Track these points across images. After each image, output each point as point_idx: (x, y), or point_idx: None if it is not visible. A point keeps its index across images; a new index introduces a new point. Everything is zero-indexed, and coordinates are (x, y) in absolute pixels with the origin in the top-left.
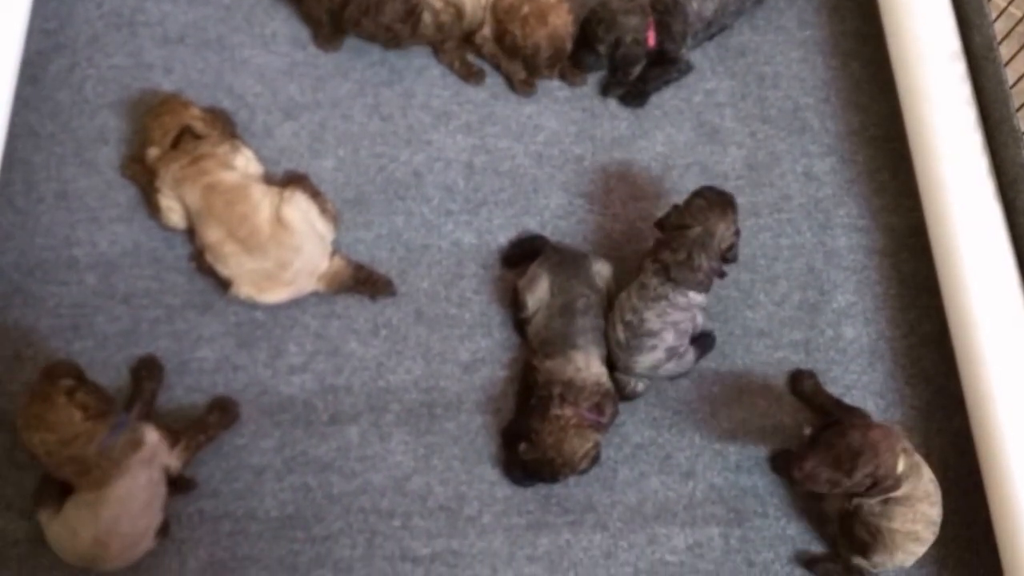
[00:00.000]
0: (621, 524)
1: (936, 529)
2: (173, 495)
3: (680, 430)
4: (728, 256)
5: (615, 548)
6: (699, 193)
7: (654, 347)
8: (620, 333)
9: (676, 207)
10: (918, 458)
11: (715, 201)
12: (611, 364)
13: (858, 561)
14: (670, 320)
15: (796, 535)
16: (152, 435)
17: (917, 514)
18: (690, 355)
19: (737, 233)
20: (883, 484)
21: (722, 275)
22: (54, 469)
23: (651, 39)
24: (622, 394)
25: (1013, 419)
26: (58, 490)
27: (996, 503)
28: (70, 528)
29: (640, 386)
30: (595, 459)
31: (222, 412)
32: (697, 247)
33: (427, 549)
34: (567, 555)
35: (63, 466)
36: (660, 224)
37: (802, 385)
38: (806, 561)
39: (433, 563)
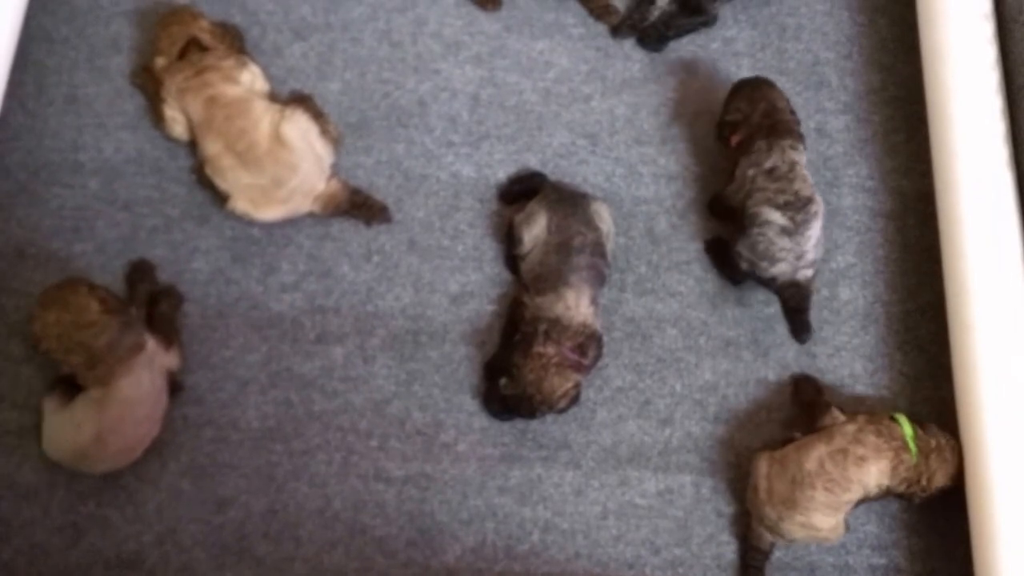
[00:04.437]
0: (594, 464)
1: (811, 531)
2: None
3: (662, 377)
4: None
5: (586, 486)
6: (737, 88)
7: (817, 212)
8: (782, 220)
9: (724, 115)
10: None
11: (757, 81)
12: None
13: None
14: (811, 181)
15: None
16: (150, 339)
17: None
18: None
19: (790, 103)
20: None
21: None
22: (62, 355)
23: None
24: (801, 297)
25: (996, 394)
26: (69, 386)
27: (971, 475)
28: (75, 423)
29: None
30: (574, 399)
31: (168, 297)
32: (775, 111)
33: (401, 471)
34: (537, 489)
35: (71, 352)
36: (727, 131)
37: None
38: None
39: (405, 485)
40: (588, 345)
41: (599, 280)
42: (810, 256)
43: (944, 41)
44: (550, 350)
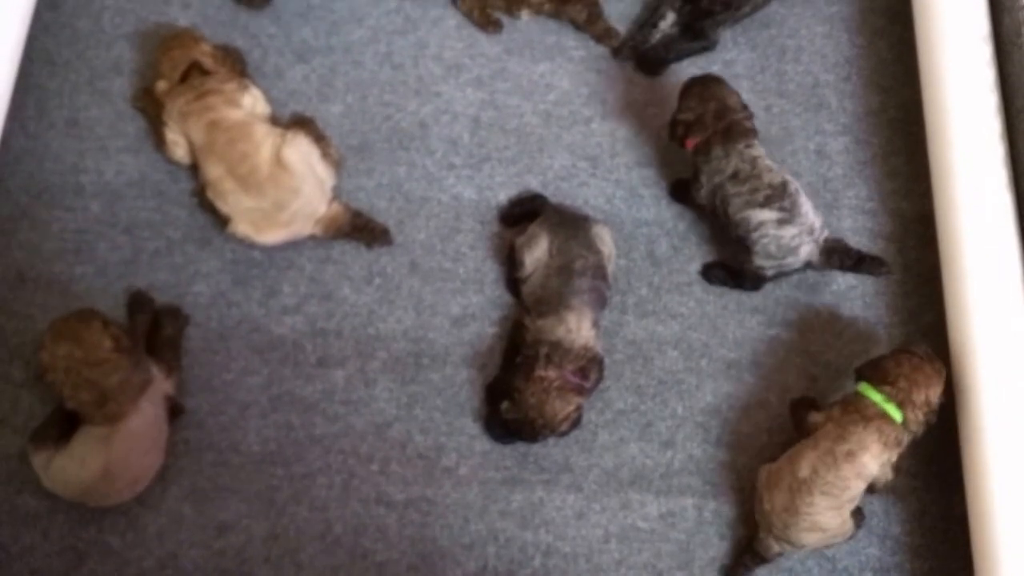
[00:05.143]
0: (596, 487)
1: (820, 533)
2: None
3: (664, 400)
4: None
5: (588, 510)
6: (687, 86)
7: (797, 189)
8: (773, 214)
9: (677, 114)
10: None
11: (706, 79)
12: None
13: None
14: (775, 167)
15: None
16: (154, 369)
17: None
18: None
19: (740, 99)
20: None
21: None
22: (70, 392)
23: None
24: (845, 252)
25: (999, 415)
26: (59, 430)
27: (975, 498)
28: (79, 459)
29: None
30: (576, 423)
31: (173, 317)
32: (727, 110)
33: (402, 495)
34: (539, 513)
35: (80, 389)
36: (680, 131)
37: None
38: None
39: (407, 509)
40: (590, 368)
41: (600, 303)
42: (818, 223)
43: (943, 63)
44: (551, 373)
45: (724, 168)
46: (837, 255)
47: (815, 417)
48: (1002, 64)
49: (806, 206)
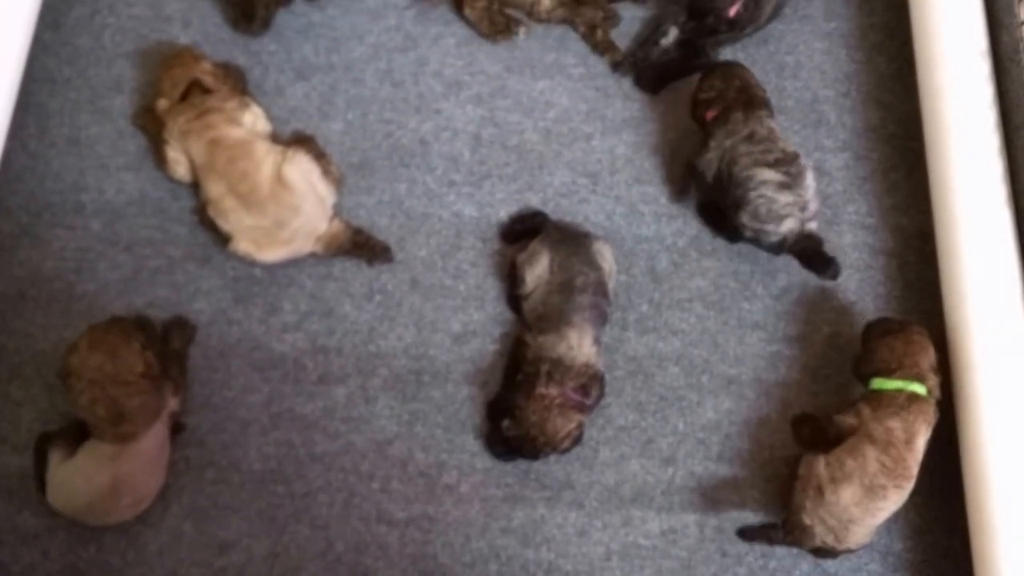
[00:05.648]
0: (597, 504)
1: (869, 531)
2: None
3: (665, 416)
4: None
5: (589, 527)
6: (711, 70)
7: (806, 165)
8: (777, 176)
9: (699, 93)
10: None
11: (729, 63)
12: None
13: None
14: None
15: None
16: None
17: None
18: None
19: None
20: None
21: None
22: (87, 403)
23: (733, 10)
24: (815, 244)
25: (999, 431)
26: (75, 434)
27: (976, 516)
28: (84, 475)
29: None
30: (577, 440)
31: (181, 330)
32: (749, 87)
33: (403, 513)
34: (541, 530)
35: (98, 404)
36: (702, 110)
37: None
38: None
39: (408, 527)
40: (591, 385)
41: (601, 319)
42: (812, 207)
43: (942, 79)
44: (552, 391)
45: (740, 130)
46: (805, 242)
47: (847, 420)
48: (1000, 80)
49: (810, 181)
